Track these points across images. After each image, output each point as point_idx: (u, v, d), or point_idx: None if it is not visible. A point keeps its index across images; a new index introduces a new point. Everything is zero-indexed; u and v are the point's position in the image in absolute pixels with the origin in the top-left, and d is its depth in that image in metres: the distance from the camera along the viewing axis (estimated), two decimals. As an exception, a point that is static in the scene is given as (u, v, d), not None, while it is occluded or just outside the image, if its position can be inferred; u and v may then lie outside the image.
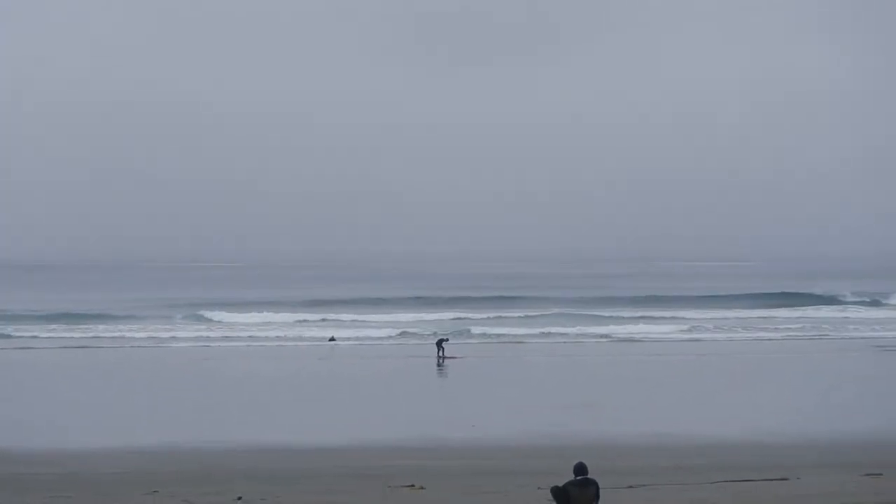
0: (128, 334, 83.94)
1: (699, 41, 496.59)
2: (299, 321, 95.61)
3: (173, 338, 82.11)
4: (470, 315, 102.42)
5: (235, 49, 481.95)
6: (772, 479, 29.63)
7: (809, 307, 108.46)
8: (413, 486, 29.21)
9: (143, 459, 34.39)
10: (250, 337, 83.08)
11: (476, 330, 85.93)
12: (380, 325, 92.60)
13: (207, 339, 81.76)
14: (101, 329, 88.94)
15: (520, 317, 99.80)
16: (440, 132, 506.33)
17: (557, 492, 21.34)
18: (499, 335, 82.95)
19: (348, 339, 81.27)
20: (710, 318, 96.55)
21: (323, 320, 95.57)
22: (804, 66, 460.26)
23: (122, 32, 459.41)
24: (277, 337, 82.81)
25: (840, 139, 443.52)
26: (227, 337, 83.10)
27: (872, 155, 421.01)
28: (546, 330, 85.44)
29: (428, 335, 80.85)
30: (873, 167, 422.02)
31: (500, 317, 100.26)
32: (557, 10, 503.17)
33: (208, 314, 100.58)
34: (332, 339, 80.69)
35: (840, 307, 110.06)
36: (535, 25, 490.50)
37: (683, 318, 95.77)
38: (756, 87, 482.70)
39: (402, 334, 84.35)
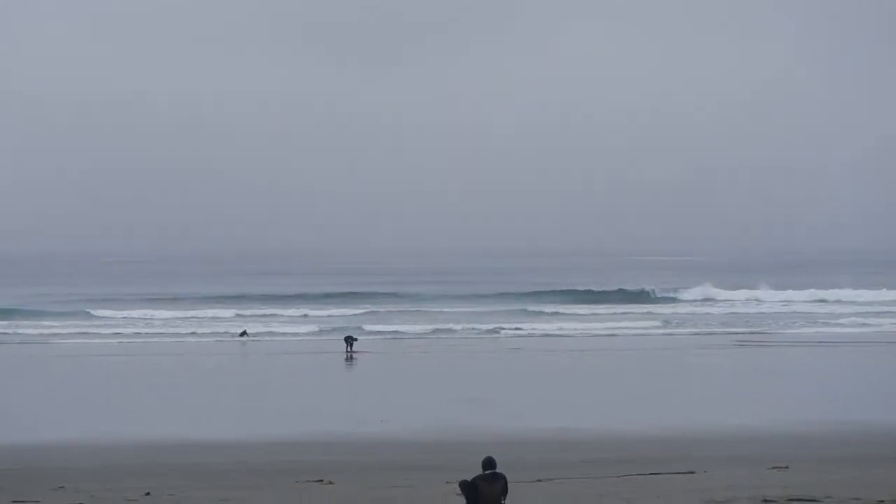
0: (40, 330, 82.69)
1: (602, 37, 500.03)
2: (213, 318, 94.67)
3: (79, 333, 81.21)
4: (377, 309, 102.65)
5: (142, 43, 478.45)
6: (679, 473, 29.80)
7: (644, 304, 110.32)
8: (322, 480, 29.09)
9: (49, 455, 33.93)
10: (158, 333, 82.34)
11: (373, 328, 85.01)
12: (292, 321, 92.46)
13: (106, 335, 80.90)
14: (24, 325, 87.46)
15: (415, 311, 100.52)
16: (359, 124, 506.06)
17: (466, 486, 21.31)
18: (397, 332, 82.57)
19: (260, 334, 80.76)
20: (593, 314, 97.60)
21: (237, 316, 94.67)
22: (765, 65, 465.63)
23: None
24: (193, 333, 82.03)
25: (795, 139, 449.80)
26: (137, 333, 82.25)
27: (830, 154, 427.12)
28: (445, 326, 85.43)
29: (338, 330, 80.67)
30: (832, 166, 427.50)
31: (403, 311, 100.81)
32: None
33: (101, 311, 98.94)
34: (244, 333, 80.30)
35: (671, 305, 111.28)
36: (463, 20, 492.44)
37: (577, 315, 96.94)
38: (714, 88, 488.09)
39: (320, 331, 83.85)
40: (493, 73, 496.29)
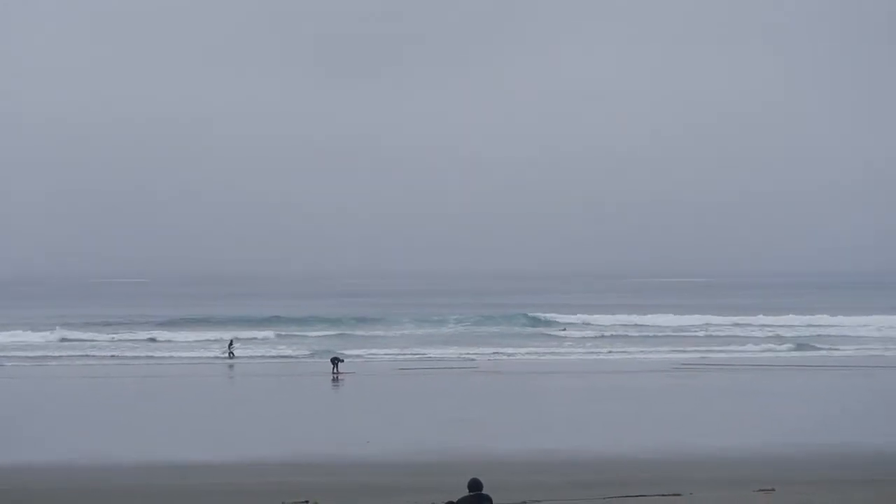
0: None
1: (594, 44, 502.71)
2: (197, 340, 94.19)
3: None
4: (356, 332, 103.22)
5: (124, 64, 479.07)
6: (664, 495, 29.82)
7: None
8: (307, 502, 29.07)
9: (36, 477, 33.81)
10: (136, 357, 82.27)
11: (357, 350, 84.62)
12: (275, 342, 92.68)
13: (91, 356, 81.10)
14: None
15: (397, 336, 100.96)
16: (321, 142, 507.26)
17: (452, 507, 21.34)
18: (379, 355, 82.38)
19: (245, 357, 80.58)
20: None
21: (219, 339, 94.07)
22: (738, 86, 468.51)
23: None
24: (170, 357, 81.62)
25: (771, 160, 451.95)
26: (114, 356, 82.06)
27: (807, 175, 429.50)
28: (423, 350, 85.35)
29: (319, 353, 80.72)
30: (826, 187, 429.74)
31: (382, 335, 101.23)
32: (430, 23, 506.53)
33: (78, 333, 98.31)
34: (231, 343, 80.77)
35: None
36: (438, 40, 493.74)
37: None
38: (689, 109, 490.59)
39: (313, 353, 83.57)
40: (491, 91, 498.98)
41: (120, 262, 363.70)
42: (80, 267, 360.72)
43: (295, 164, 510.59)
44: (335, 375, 66.15)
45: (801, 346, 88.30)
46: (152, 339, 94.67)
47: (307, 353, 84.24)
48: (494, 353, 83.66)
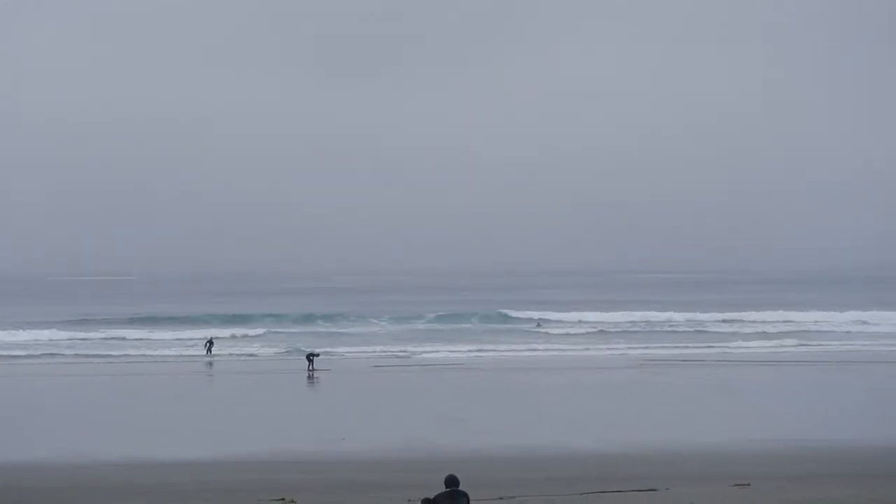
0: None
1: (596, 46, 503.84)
2: (178, 339, 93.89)
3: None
4: (338, 330, 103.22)
5: (124, 64, 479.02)
6: (641, 490, 29.88)
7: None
8: (284, 499, 29.00)
9: (13, 476, 33.64)
10: (117, 356, 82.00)
11: (335, 348, 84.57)
12: (252, 340, 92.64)
13: (67, 355, 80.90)
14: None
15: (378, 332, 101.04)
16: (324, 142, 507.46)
17: (428, 504, 21.29)
18: (353, 352, 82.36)
19: (222, 355, 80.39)
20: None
21: (204, 339, 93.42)
22: (738, 86, 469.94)
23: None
24: (143, 355, 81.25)
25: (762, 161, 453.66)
26: (131, 355, 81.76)
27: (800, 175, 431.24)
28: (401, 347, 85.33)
29: (300, 351, 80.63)
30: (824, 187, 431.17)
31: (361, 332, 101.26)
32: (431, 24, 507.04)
33: (65, 332, 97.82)
34: (210, 342, 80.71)
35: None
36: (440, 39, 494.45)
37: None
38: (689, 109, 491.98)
39: (289, 351, 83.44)
40: (491, 91, 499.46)
41: (119, 261, 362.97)
42: (77, 266, 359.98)
43: (294, 164, 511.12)
44: (311, 373, 66.09)
45: (784, 341, 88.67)
46: (130, 338, 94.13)
47: (284, 350, 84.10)
48: (470, 350, 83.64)
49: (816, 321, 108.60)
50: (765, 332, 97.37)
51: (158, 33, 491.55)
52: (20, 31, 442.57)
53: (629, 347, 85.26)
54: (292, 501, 28.79)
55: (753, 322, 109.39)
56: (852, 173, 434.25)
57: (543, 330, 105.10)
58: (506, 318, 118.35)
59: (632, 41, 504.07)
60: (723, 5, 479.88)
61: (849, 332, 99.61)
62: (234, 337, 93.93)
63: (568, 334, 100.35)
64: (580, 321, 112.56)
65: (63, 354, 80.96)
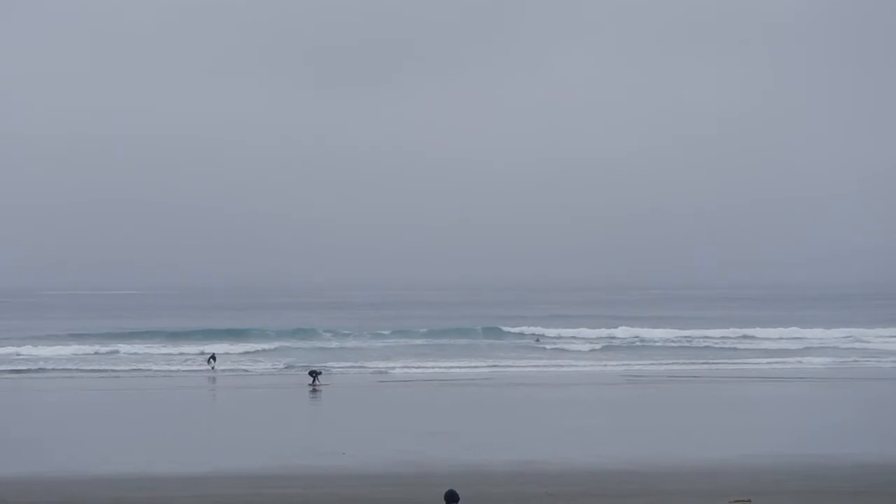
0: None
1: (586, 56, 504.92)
2: (179, 353, 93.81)
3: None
4: (342, 345, 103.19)
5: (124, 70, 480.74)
6: (641, 506, 29.84)
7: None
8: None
9: (8, 490, 33.55)
10: (112, 370, 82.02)
11: (338, 363, 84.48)
12: (255, 355, 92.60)
13: (67, 370, 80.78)
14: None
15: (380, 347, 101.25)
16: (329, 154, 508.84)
17: (427, 518, 21.25)
18: (357, 367, 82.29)
19: (223, 370, 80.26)
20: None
21: (201, 353, 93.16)
22: (733, 97, 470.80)
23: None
24: (135, 370, 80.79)
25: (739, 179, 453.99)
26: (135, 370, 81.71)
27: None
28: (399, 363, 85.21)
29: (303, 366, 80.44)
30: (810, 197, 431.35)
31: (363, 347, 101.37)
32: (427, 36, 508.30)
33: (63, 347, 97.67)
34: (213, 357, 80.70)
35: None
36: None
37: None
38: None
39: (287, 367, 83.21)
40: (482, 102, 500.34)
41: (114, 272, 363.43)
42: (65, 279, 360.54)
43: (289, 177, 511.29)
44: (313, 388, 66.07)
45: (781, 358, 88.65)
46: (127, 352, 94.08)
47: (284, 365, 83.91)
48: (471, 365, 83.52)
49: (820, 338, 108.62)
50: (766, 350, 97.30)
51: (159, 51, 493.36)
52: (24, 39, 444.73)
53: (628, 363, 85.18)
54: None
55: (756, 339, 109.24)
56: (855, 183, 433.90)
57: (542, 345, 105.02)
58: (503, 334, 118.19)
59: (622, 52, 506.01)
60: (717, 15, 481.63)
61: (852, 348, 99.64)
62: (229, 353, 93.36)
63: (566, 350, 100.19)
64: (574, 337, 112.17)
65: (59, 369, 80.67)
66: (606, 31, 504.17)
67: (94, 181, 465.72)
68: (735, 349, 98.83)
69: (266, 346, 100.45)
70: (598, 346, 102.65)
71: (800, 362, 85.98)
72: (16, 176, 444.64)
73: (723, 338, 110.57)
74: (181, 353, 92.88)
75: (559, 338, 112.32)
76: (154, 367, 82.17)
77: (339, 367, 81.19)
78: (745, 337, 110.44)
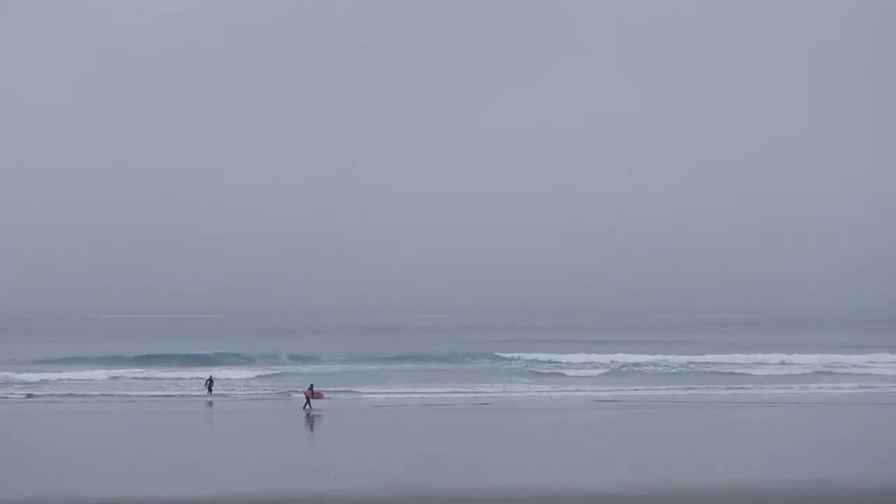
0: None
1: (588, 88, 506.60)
2: (178, 378, 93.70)
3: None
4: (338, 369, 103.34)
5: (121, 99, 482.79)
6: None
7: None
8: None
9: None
10: (108, 395, 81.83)
11: (332, 387, 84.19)
12: (252, 380, 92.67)
13: (61, 395, 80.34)
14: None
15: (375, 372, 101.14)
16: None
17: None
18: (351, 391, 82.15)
19: (217, 394, 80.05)
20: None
21: (196, 378, 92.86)
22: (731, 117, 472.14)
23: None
24: (124, 395, 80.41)
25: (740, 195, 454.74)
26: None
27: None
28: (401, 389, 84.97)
29: (299, 388, 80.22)
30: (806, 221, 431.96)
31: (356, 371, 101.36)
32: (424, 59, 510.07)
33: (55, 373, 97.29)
34: (210, 381, 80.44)
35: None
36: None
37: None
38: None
39: (284, 391, 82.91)
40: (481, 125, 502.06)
41: (116, 299, 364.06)
42: (67, 303, 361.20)
43: (289, 197, 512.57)
44: (308, 412, 65.89)
45: (767, 382, 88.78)
46: (126, 377, 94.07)
47: (280, 389, 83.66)
48: (468, 391, 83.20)
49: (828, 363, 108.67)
50: (770, 375, 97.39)
51: (164, 69, 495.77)
52: (33, 66, 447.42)
53: (620, 388, 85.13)
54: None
55: (757, 364, 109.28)
56: (858, 205, 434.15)
57: (535, 370, 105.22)
58: (499, 359, 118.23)
59: (621, 74, 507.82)
60: (714, 37, 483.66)
61: (869, 373, 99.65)
62: (228, 379, 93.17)
63: (563, 374, 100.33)
64: (569, 362, 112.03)
65: (53, 394, 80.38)
66: (607, 52, 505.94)
67: (93, 206, 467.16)
68: (733, 374, 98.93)
69: (262, 371, 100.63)
70: (598, 372, 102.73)
71: (805, 388, 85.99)
72: (39, 196, 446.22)
73: (720, 363, 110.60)
74: (178, 378, 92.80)
75: (552, 362, 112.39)
76: (149, 393, 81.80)
77: (338, 391, 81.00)
78: (735, 363, 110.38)
